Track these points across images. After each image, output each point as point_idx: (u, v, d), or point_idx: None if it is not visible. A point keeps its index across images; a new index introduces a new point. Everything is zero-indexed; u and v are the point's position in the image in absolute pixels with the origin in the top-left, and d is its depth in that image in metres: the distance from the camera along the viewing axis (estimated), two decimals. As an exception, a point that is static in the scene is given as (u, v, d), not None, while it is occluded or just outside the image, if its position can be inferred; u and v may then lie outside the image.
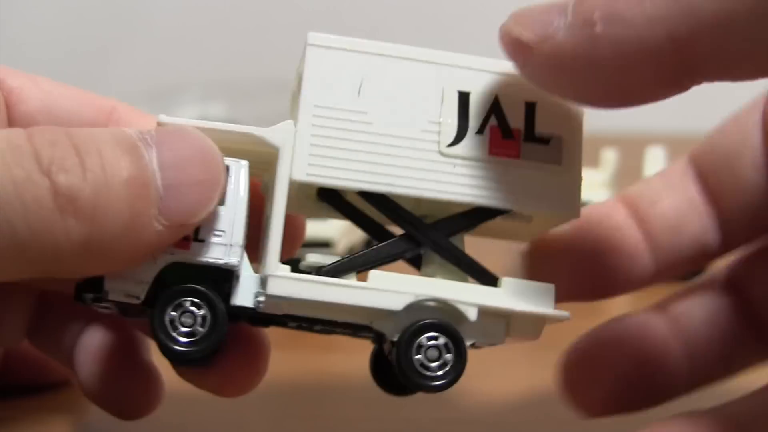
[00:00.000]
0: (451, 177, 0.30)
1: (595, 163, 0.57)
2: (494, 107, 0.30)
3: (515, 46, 0.27)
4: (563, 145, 0.30)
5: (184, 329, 0.28)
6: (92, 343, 0.34)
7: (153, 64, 1.33)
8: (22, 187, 0.25)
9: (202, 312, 0.28)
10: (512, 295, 0.30)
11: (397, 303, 0.29)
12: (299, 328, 0.32)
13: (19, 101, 0.33)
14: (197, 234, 0.28)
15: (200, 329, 0.28)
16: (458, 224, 0.31)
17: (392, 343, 0.30)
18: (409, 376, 0.29)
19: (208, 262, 0.28)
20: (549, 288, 0.31)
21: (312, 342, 0.46)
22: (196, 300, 0.28)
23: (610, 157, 0.57)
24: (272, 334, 0.48)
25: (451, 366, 0.29)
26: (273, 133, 0.29)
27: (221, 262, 0.28)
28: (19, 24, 1.34)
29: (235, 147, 0.29)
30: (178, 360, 0.29)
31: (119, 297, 0.28)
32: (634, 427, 0.38)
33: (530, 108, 0.30)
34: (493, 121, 0.30)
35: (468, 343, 0.30)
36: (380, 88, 0.30)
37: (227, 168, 0.29)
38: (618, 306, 0.52)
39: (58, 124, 0.31)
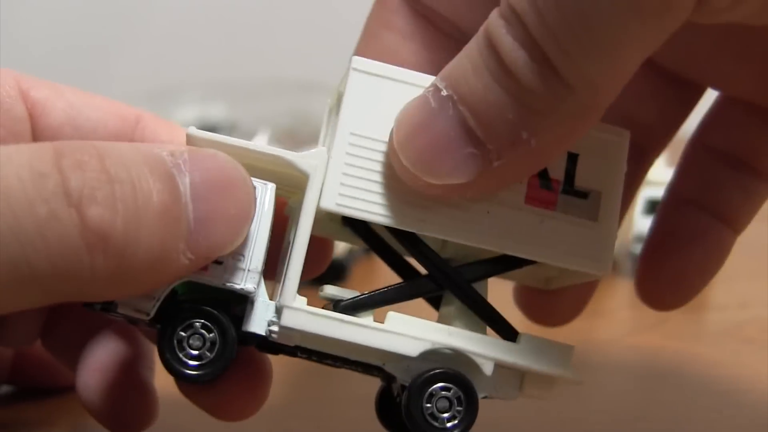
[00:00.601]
0: (484, 222, 0.28)
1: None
2: None
3: (450, 190, 0.27)
4: (601, 201, 0.29)
5: (192, 351, 0.28)
6: (95, 355, 0.34)
7: (154, 64, 1.33)
8: (46, 225, 0.23)
9: (211, 336, 0.28)
10: (530, 352, 0.29)
11: (412, 349, 0.28)
12: (309, 359, 0.31)
13: (43, 113, 0.31)
14: None
15: (208, 354, 0.28)
16: (484, 270, 0.30)
17: (402, 387, 0.29)
18: (417, 424, 0.28)
19: (224, 286, 0.27)
20: (568, 349, 0.30)
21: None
22: (207, 323, 0.28)
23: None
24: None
25: (461, 419, 0.29)
26: (305, 159, 0.28)
27: (238, 287, 0.27)
28: (20, 24, 1.34)
29: (262, 166, 0.28)
30: (182, 380, 0.29)
31: (128, 312, 0.27)
32: (635, 425, 0.38)
33: (572, 159, 0.29)
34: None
35: (480, 396, 0.29)
36: None
37: (253, 189, 0.28)
38: (618, 306, 0.52)
39: (84, 136, 0.30)
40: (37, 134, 0.31)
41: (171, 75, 1.20)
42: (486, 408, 0.39)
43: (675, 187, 0.37)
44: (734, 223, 0.36)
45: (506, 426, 0.37)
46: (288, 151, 0.28)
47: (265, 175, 0.28)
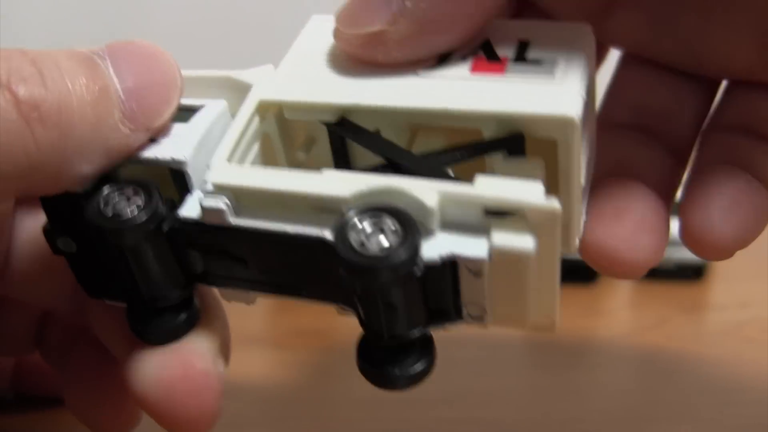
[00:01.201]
0: (429, 89, 0.26)
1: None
2: (483, 46, 0.28)
3: (369, 40, 0.28)
4: (557, 64, 0.26)
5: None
6: (79, 359, 0.34)
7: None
8: None
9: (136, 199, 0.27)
10: (487, 185, 0.24)
11: (344, 190, 0.24)
12: (244, 282, 0.29)
13: None
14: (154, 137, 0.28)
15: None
16: (450, 156, 0.26)
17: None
18: (348, 258, 0.23)
19: (157, 160, 0.27)
20: (536, 166, 0.26)
21: (312, 342, 0.46)
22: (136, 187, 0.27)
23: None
24: (272, 332, 0.48)
25: (402, 239, 0.23)
26: (250, 75, 0.31)
27: (170, 158, 0.27)
28: (19, 20, 1.34)
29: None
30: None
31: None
32: (635, 425, 0.38)
33: (523, 44, 0.27)
34: (480, 53, 0.27)
35: (437, 253, 0.24)
36: None
37: (202, 107, 0.30)
38: (618, 306, 0.52)
39: None
40: None
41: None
42: (486, 408, 0.39)
43: (716, 116, 0.35)
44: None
45: (506, 426, 0.37)
46: (237, 71, 0.31)
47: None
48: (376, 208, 0.24)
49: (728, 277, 0.56)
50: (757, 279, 0.55)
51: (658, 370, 0.43)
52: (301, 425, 0.37)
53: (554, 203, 0.24)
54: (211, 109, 0.30)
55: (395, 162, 0.26)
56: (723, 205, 0.33)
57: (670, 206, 0.35)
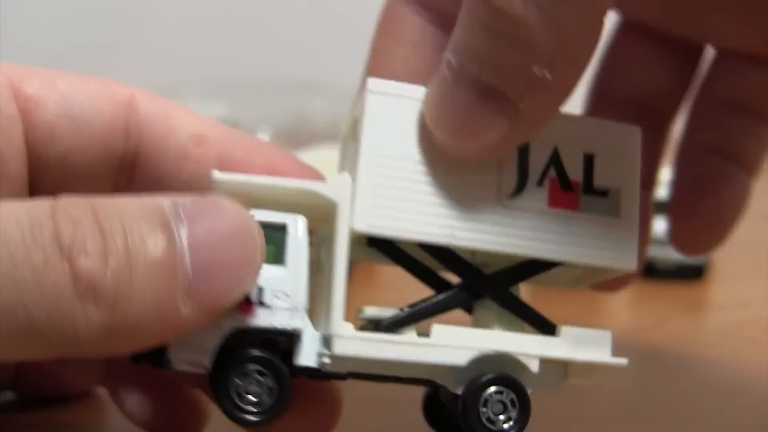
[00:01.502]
0: (512, 229, 0.29)
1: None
2: (553, 159, 0.30)
3: (492, 148, 0.28)
4: (621, 197, 0.30)
5: (250, 398, 0.28)
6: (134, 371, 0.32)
7: (154, 64, 1.33)
8: (41, 271, 0.23)
9: (266, 380, 0.28)
10: (571, 343, 0.30)
11: (461, 358, 0.29)
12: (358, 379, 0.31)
13: (37, 109, 0.31)
14: (261, 297, 0.27)
15: (266, 399, 0.28)
16: (516, 275, 0.30)
17: (455, 396, 0.29)
18: (475, 430, 0.29)
19: (274, 328, 0.27)
20: (606, 335, 0.30)
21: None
22: (260, 368, 0.28)
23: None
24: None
25: (515, 420, 0.29)
26: (330, 188, 0.28)
27: (287, 327, 0.28)
28: (21, 23, 1.34)
29: (289, 200, 0.29)
30: (245, 427, 0.29)
31: (184, 367, 0.27)
32: (635, 425, 0.38)
33: (588, 160, 0.30)
34: (552, 173, 0.30)
35: (528, 392, 0.30)
36: None
37: (284, 226, 0.28)
38: (618, 306, 0.52)
39: (78, 127, 0.30)
40: (31, 131, 0.31)
41: (171, 74, 1.20)
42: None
43: (688, 139, 0.40)
44: (750, 166, 0.39)
45: (506, 426, 0.38)
46: (313, 182, 0.29)
47: (293, 208, 0.28)
48: (501, 381, 0.29)
49: (728, 277, 0.56)
50: (757, 279, 0.55)
51: (658, 370, 0.43)
52: (301, 425, 0.37)
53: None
54: (297, 235, 0.28)
55: (469, 284, 0.30)
56: (705, 220, 0.39)
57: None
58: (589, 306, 0.51)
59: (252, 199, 0.28)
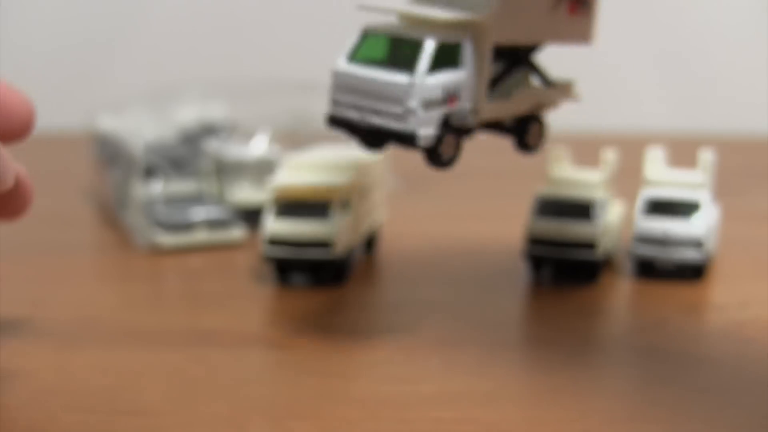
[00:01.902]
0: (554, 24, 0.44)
1: (595, 163, 0.57)
2: None
3: None
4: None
5: None
6: None
7: (154, 63, 1.33)
8: None
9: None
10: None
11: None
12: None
13: None
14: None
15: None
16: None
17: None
18: None
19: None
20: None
21: (312, 342, 0.46)
22: None
23: (610, 157, 0.57)
24: (272, 332, 0.48)
25: None
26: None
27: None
28: (21, 22, 1.34)
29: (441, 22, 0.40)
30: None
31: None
32: (635, 425, 0.38)
33: None
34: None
35: None
36: None
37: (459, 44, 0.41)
38: (618, 306, 0.52)
39: None
40: None
41: (171, 75, 1.20)
42: (486, 408, 0.39)
43: None
44: None
45: (506, 426, 0.38)
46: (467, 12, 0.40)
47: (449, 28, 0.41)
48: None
49: (728, 277, 0.55)
50: (757, 279, 0.55)
51: (658, 370, 0.43)
52: (301, 425, 0.37)
53: None
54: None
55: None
56: None
57: None
58: (589, 306, 0.51)
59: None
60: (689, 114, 1.24)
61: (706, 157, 0.56)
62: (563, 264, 0.54)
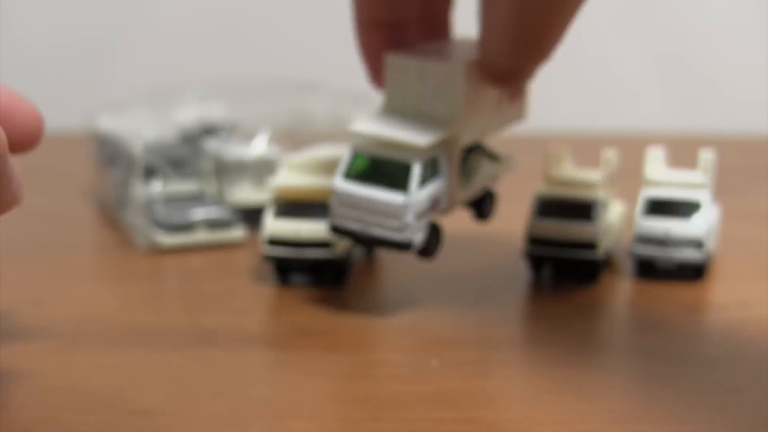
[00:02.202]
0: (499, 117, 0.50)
1: (595, 163, 0.57)
2: None
3: None
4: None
5: None
6: None
7: (154, 63, 1.33)
8: None
9: None
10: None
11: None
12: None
13: None
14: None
15: None
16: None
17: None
18: None
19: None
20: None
21: (312, 342, 0.46)
22: None
23: (610, 157, 0.57)
24: (272, 332, 0.48)
25: None
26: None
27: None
28: (21, 22, 1.34)
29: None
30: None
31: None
32: (635, 425, 0.38)
33: None
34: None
35: None
36: None
37: (436, 159, 0.46)
38: (618, 306, 0.52)
39: None
40: None
41: (171, 75, 1.20)
42: (486, 408, 0.39)
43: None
44: None
45: (506, 426, 0.38)
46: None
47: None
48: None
49: (728, 277, 0.55)
50: (757, 279, 0.55)
51: (658, 370, 0.43)
52: (301, 425, 0.37)
53: None
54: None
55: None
56: None
57: None
58: (589, 306, 0.51)
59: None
60: (689, 114, 1.24)
61: (706, 157, 0.56)
62: (563, 264, 0.54)
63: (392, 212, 0.45)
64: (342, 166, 0.46)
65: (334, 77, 0.96)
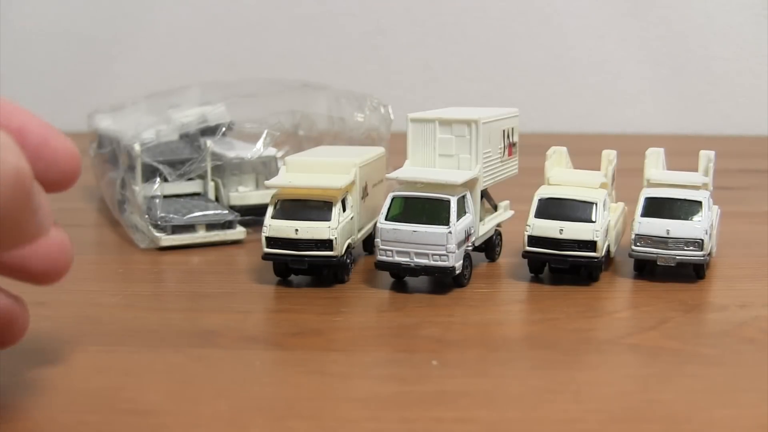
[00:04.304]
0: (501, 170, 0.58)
1: (595, 163, 0.57)
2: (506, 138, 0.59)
3: None
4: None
5: None
6: None
7: (155, 65, 1.33)
8: None
9: None
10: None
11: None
12: None
13: None
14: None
15: None
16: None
17: None
18: None
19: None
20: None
21: (312, 342, 0.46)
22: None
23: (610, 157, 0.58)
24: (272, 332, 0.48)
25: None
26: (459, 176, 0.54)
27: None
28: (23, 25, 1.34)
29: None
30: None
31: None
32: (635, 425, 0.38)
33: (508, 135, 0.59)
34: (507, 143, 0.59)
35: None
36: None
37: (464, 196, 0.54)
38: (618, 306, 0.52)
39: None
40: None
41: (172, 75, 1.20)
42: (486, 408, 0.39)
43: None
44: None
45: (506, 426, 0.38)
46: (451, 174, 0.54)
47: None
48: None
49: (728, 277, 0.56)
50: (757, 279, 0.55)
51: (658, 370, 0.43)
52: (301, 425, 0.37)
53: None
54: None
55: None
56: None
57: None
58: (589, 306, 0.51)
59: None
60: (689, 114, 1.24)
61: (706, 157, 0.56)
62: (563, 264, 0.54)
63: (437, 241, 0.51)
64: (383, 210, 0.53)
65: (334, 77, 0.96)
